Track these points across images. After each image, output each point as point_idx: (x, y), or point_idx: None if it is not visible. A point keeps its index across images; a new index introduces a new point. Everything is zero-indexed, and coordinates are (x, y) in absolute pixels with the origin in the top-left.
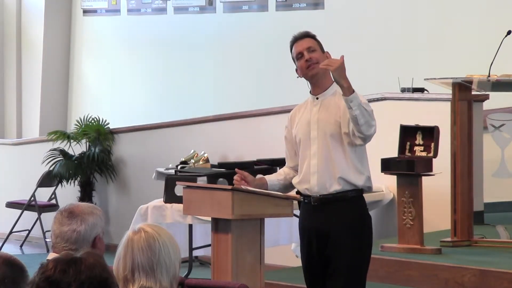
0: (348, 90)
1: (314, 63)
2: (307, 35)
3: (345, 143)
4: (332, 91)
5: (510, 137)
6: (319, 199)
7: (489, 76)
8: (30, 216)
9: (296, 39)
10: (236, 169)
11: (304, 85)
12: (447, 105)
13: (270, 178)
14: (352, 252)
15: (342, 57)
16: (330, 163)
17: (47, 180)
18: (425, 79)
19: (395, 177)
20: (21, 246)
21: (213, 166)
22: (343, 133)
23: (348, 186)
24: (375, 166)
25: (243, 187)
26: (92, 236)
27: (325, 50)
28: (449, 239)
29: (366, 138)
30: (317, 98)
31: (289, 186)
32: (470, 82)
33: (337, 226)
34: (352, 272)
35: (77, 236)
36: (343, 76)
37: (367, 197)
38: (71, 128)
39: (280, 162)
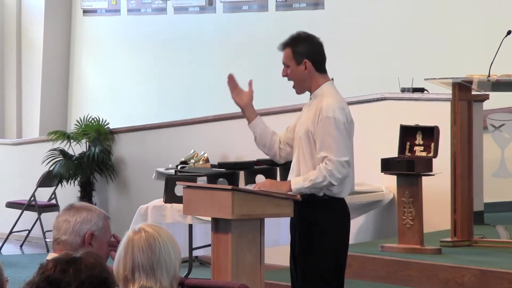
0: (289, 189)
1: (289, 80)
2: (285, 46)
3: (313, 148)
4: (320, 92)
5: (510, 137)
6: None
7: (489, 76)
8: (30, 216)
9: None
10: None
11: None
12: (447, 105)
13: (266, 126)
14: (309, 254)
15: (265, 182)
16: (299, 165)
17: (47, 180)
18: (425, 79)
19: (395, 177)
20: (21, 246)
21: (213, 166)
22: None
23: None
24: (375, 166)
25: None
26: (83, 231)
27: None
28: (449, 239)
29: None
30: (310, 98)
31: (266, 145)
32: (470, 82)
33: (303, 225)
34: (307, 272)
35: (67, 226)
36: (279, 187)
37: (367, 197)
38: (71, 128)
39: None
